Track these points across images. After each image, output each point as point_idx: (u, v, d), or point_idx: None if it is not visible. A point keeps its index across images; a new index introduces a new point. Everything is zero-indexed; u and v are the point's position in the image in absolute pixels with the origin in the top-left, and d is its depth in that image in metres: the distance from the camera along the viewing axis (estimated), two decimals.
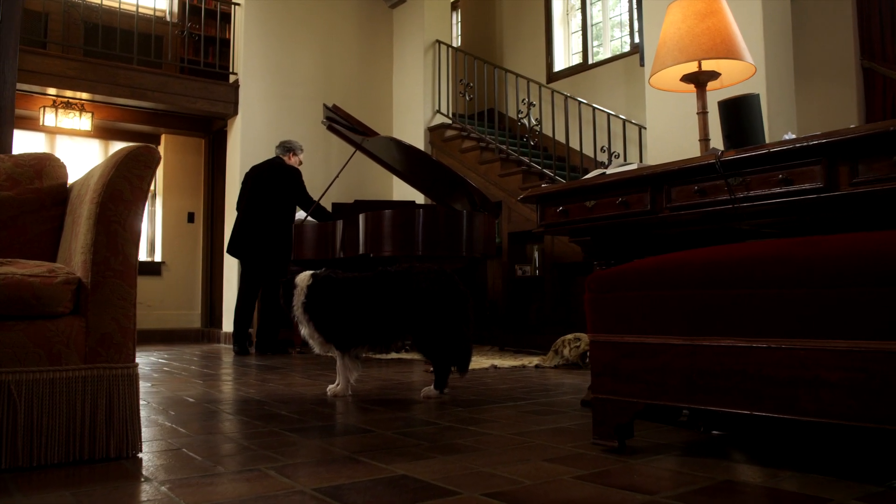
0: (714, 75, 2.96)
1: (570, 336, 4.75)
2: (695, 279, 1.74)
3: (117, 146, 8.17)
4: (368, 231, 5.37)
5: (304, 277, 3.27)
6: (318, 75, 8.02)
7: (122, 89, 6.90)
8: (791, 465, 1.75)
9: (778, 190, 2.11)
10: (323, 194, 6.06)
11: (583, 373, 4.29)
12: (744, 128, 2.44)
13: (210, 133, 8.57)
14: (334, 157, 7.69)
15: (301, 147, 6.36)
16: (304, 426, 2.43)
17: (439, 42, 8.20)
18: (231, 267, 7.58)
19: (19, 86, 6.61)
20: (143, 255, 8.44)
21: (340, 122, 6.00)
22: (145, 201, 2.04)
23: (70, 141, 7.77)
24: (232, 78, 7.69)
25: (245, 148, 7.50)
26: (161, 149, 8.46)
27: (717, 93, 3.09)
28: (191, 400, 3.11)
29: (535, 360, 4.96)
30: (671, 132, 4.69)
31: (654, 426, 2.36)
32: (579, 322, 5.93)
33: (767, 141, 2.34)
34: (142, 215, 2.04)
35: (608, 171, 2.67)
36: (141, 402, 3.00)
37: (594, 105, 6.53)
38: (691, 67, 2.91)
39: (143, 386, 3.62)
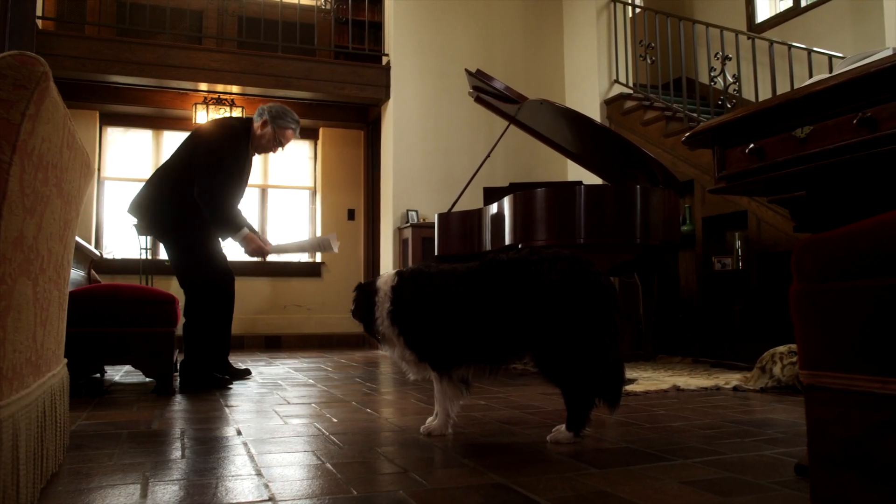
0: None
1: (783, 348, 3.49)
2: None
3: None
4: (518, 216, 4.41)
5: (387, 278, 2.40)
6: (477, 50, 7.18)
7: (266, 79, 6.49)
8: None
9: None
10: (466, 185, 5.19)
11: (802, 402, 3.04)
12: None
13: (368, 123, 8.03)
14: (502, 140, 6.78)
15: (273, 113, 4.04)
16: (326, 492, 1.55)
17: (615, 1, 7.03)
18: (387, 267, 6.95)
19: (169, 83, 6.43)
20: (304, 256, 8.08)
21: (489, 91, 5.10)
22: (15, 140, 1.25)
23: None
24: (384, 60, 7.07)
25: (398, 133, 6.83)
26: (319, 143, 8.04)
27: None
28: (229, 434, 2.35)
29: (734, 380, 3.73)
30: None
31: None
32: None
33: None
34: (15, 164, 1.25)
35: (837, 71, 1.53)
36: (157, 439, 2.28)
37: (813, 48, 5.07)
38: None
39: (212, 408, 2.94)
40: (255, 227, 7.63)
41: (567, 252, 2.24)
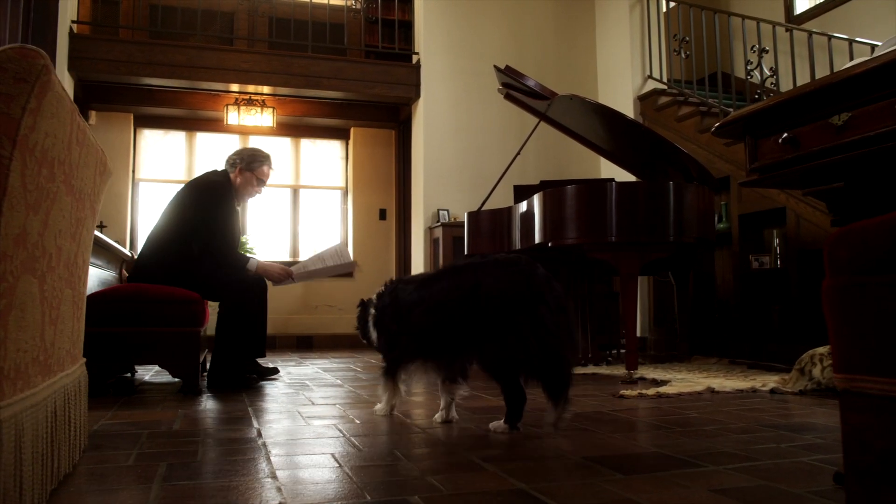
0: None
1: (823, 349, 3.36)
2: None
3: (306, 142, 7.88)
4: (547, 214, 4.32)
5: (378, 289, 2.67)
6: (508, 48, 7.10)
7: (296, 79, 6.49)
8: None
9: None
10: (497, 183, 5.11)
11: None
12: None
13: (398, 123, 8.00)
14: (534, 137, 6.69)
15: (245, 159, 4.11)
16: (339, 497, 1.50)
17: None
18: (417, 267, 6.91)
19: (201, 84, 6.47)
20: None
21: (519, 88, 5.02)
22: (16, 135, 1.22)
23: (261, 140, 7.57)
24: (414, 59, 7.03)
25: (429, 132, 6.78)
26: (350, 143, 8.04)
27: None
28: (249, 435, 2.32)
29: (771, 381, 3.61)
30: None
31: None
32: None
33: None
34: (14, 160, 1.23)
35: (877, 53, 1.44)
36: (177, 440, 2.26)
37: (856, 39, 4.89)
38: None
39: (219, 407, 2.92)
40: (287, 228, 7.68)
41: (513, 256, 2.36)
